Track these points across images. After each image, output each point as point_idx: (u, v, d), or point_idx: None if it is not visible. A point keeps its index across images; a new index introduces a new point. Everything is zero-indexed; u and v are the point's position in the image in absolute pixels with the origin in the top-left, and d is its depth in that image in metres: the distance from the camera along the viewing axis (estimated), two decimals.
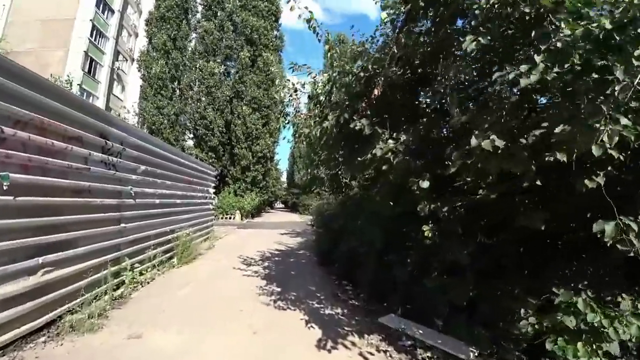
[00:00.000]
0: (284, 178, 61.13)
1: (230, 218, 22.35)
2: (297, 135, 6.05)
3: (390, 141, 3.19)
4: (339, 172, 6.37)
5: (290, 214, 36.76)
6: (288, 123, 6.36)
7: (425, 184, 3.02)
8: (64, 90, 3.93)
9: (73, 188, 3.99)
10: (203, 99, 22.69)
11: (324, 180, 7.06)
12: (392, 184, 3.53)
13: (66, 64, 26.65)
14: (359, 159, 3.54)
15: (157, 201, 6.48)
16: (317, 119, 5.45)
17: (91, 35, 28.19)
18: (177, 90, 23.47)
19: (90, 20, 27.98)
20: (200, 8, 25.07)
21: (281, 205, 71.03)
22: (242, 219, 22.56)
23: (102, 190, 4.61)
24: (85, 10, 28.36)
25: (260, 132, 23.88)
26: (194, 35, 24.50)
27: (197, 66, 22.96)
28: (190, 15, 25.05)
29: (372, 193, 4.69)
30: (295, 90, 6.32)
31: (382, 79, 3.61)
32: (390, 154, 3.14)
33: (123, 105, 30.81)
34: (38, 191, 3.45)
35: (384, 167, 3.27)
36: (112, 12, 31.52)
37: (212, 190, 11.36)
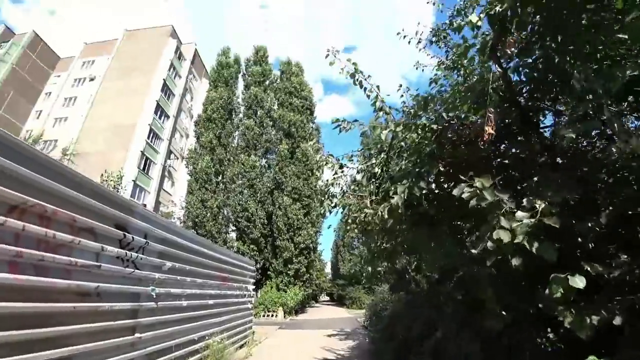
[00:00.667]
0: (328, 269, 58.46)
1: (272, 316, 20.56)
2: (346, 220, 5.08)
3: (520, 214, 1.97)
4: (408, 267, 5.19)
5: (337, 309, 33.97)
6: (335, 207, 5.42)
7: (579, 282, 1.84)
8: (70, 171, 3.33)
9: (75, 290, 3.15)
10: (245, 191, 22.98)
11: (380, 273, 5.80)
12: (505, 282, 2.32)
13: (125, 163, 28.99)
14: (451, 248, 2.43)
15: (185, 303, 5.48)
16: (373, 197, 4.50)
17: (148, 137, 31.05)
18: (221, 184, 24.07)
19: (149, 124, 31.11)
20: (242, 108, 27.04)
21: (326, 298, 66.95)
22: (285, 317, 20.66)
23: (115, 292, 3.73)
24: (145, 116, 31.82)
25: (301, 223, 23.29)
26: (237, 132, 25.97)
27: (239, 160, 23.76)
28: (234, 115, 26.98)
29: (458, 294, 3.40)
30: (341, 167, 5.37)
31: (491, 120, 2.49)
32: (524, 236, 1.90)
33: (171, 199, 32.20)
34: (26, 295, 2.64)
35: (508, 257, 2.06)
36: (168, 117, 35.11)
37: (251, 287, 10.22)
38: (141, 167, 29.70)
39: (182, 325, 5.33)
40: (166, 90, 35.69)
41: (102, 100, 35.35)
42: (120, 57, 39.11)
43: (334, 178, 5.34)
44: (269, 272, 23.21)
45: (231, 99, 27.28)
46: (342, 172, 5.27)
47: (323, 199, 5.08)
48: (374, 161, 4.67)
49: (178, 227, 5.98)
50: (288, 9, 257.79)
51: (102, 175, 18.95)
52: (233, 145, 25.90)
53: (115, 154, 29.84)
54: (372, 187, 4.60)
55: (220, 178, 24.35)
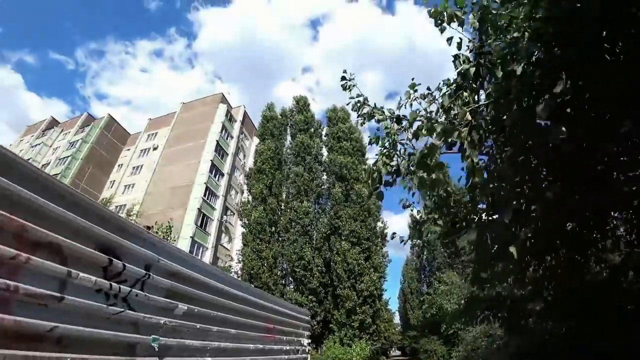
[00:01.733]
0: (396, 319, 53.78)
1: None
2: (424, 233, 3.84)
3: None
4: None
5: None
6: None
7: None
8: (23, 163, 2.37)
9: (14, 330, 2.10)
10: (299, 239, 21.95)
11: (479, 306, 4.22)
12: None
13: (184, 220, 29.89)
14: None
15: None
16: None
17: (204, 195, 32.06)
18: (275, 235, 23.40)
19: (205, 183, 32.29)
20: (291, 157, 26.95)
21: (397, 353, 61.12)
22: None
23: (89, 339, 2.65)
24: (200, 176, 33.22)
25: (362, 268, 21.51)
26: (287, 182, 25.65)
27: (292, 207, 23.11)
28: (283, 165, 26.92)
29: None
30: (398, 120, 3.98)
31: None
32: None
33: (228, 253, 32.20)
34: None
35: None
36: (222, 175, 36.35)
37: (306, 341, 8.70)
38: (198, 224, 30.34)
39: None
40: (219, 150, 37.38)
41: (163, 166, 37.93)
42: (177, 126, 42.41)
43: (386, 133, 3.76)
44: (331, 325, 21.27)
45: (279, 149, 27.47)
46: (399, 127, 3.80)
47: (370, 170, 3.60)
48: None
49: (199, 260, 4.86)
50: (331, 79, 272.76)
51: (151, 227, 19.15)
52: (284, 195, 25.52)
53: (174, 212, 30.97)
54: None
55: (274, 229, 23.75)
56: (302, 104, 29.92)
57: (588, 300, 3.43)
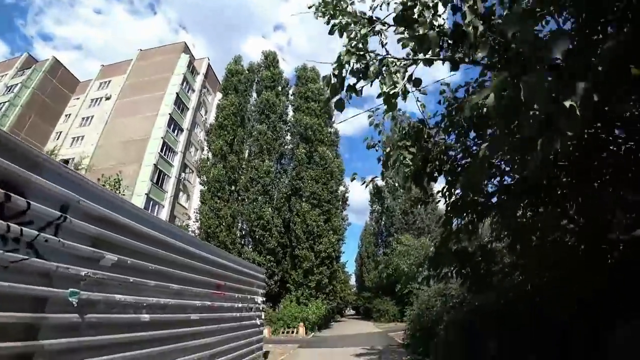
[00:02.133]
0: (352, 282, 55.76)
1: (293, 332, 18.69)
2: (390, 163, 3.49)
3: None
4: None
5: (364, 323, 31.58)
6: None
7: None
8: None
9: None
10: (259, 198, 21.41)
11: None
12: None
13: (138, 176, 28.33)
14: None
15: (147, 317, 3.84)
16: None
17: (161, 151, 30.36)
18: (235, 193, 22.70)
19: (162, 137, 30.51)
20: (254, 115, 25.81)
21: (352, 312, 64.13)
22: (306, 333, 18.73)
23: None
24: (158, 130, 31.29)
25: (322, 230, 21.49)
26: (250, 140, 24.67)
27: (253, 166, 22.35)
28: (246, 122, 25.77)
29: None
30: (371, 21, 3.32)
31: None
32: None
33: (186, 212, 31.22)
34: None
35: None
36: (181, 130, 34.51)
37: (260, 299, 8.43)
38: (154, 181, 28.83)
39: (139, 350, 3.66)
40: (179, 103, 35.15)
41: (116, 117, 35.24)
42: (134, 75, 39.19)
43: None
44: (288, 285, 21.44)
45: (243, 105, 26.17)
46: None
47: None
48: None
49: (134, 205, 4.22)
50: (303, 38, 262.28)
51: (98, 180, 18.01)
52: (246, 153, 24.65)
53: (128, 168, 29.14)
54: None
55: (233, 187, 23.00)
56: (270, 59, 28.44)
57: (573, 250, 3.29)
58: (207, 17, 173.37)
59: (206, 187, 22.76)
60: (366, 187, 4.42)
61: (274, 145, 23.79)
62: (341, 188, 24.75)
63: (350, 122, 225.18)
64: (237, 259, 8.09)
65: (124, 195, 19.31)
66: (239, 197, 22.47)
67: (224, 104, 25.68)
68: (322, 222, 21.50)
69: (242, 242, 22.07)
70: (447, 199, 4.08)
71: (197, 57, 43.05)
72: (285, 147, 25.20)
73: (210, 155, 24.29)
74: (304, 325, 18.89)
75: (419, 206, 30.10)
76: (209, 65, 43.15)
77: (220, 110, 25.67)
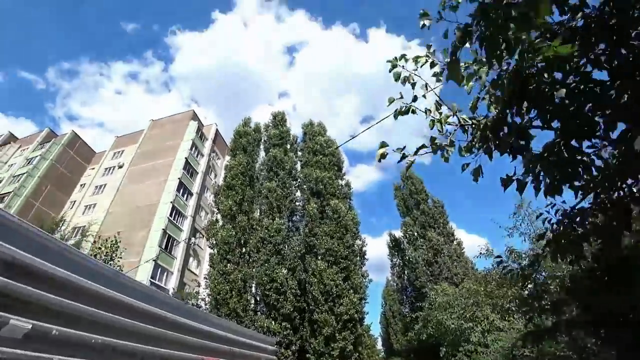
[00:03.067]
0: (379, 346, 51.30)
1: None
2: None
3: None
4: None
5: None
6: None
7: None
8: None
9: None
10: (271, 259, 20.03)
11: None
12: None
13: (147, 242, 27.41)
14: None
15: None
16: None
17: (170, 215, 29.74)
18: (245, 256, 21.42)
19: (171, 202, 30.08)
20: (263, 173, 25.36)
21: None
22: None
23: None
24: (167, 194, 30.99)
25: (341, 289, 19.73)
26: (259, 199, 23.91)
27: (263, 225, 21.28)
28: (255, 182, 25.24)
29: None
30: None
31: None
32: None
33: (196, 279, 29.73)
34: None
35: None
36: (191, 194, 34.21)
37: None
38: (163, 246, 27.86)
39: None
40: (188, 168, 35.34)
41: (127, 184, 35.47)
42: (145, 143, 40.17)
43: None
44: (308, 355, 19.23)
45: (251, 165, 25.87)
46: None
47: None
48: None
49: (75, 251, 3.06)
50: (307, 103, 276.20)
51: (94, 242, 17.16)
52: (256, 213, 23.74)
53: (136, 233, 28.55)
54: None
55: (244, 250, 21.78)
56: (279, 119, 28.69)
57: None
58: (217, 90, 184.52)
59: (215, 250, 21.59)
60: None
61: (284, 202, 22.95)
62: (357, 242, 23.29)
63: (360, 178, 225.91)
64: (235, 326, 6.77)
65: (121, 258, 18.30)
66: (250, 260, 21.15)
67: (232, 164, 25.42)
68: (340, 280, 19.83)
69: (256, 309, 20.33)
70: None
71: (206, 124, 44.28)
72: (296, 204, 24.34)
73: (219, 216, 23.45)
74: None
75: (443, 254, 28.18)
76: (216, 130, 44.18)
77: (228, 170, 25.33)
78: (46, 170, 39.62)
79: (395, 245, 35.85)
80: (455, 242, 32.14)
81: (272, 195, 22.56)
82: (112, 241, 17.93)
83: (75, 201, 40.08)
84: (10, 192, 35.24)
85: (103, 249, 16.87)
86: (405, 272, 33.91)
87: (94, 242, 16.27)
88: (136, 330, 3.33)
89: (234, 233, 21.34)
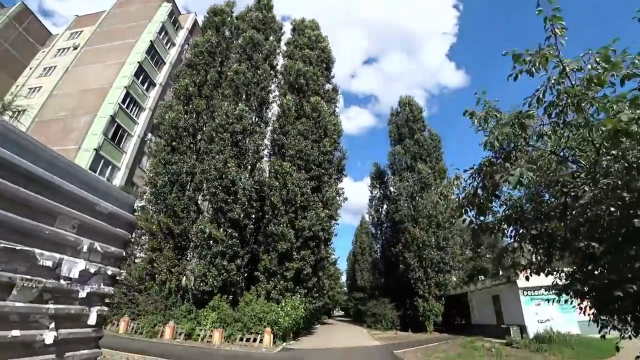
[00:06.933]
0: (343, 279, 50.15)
1: (255, 341, 13.23)
2: None
3: None
4: None
5: (356, 328, 26.18)
6: None
7: None
8: None
9: None
10: (226, 150, 15.77)
11: None
12: None
13: (89, 129, 22.88)
14: None
15: None
16: None
17: (123, 103, 24.90)
18: (196, 144, 17.19)
19: (125, 87, 25.05)
20: (235, 56, 20.17)
21: (341, 313, 58.56)
22: (273, 343, 13.27)
23: None
24: (122, 79, 25.90)
25: (308, 200, 15.94)
26: (225, 82, 19.04)
27: (222, 108, 16.69)
28: (224, 66, 20.25)
29: None
30: None
31: None
32: None
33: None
34: None
35: None
36: (154, 85, 29.04)
37: (110, 271, 2.79)
38: (109, 135, 23.30)
39: None
40: (153, 53, 29.71)
41: (78, 66, 29.89)
42: (106, 22, 33.87)
43: None
44: (256, 273, 15.87)
45: (222, 48, 20.73)
46: None
47: None
48: None
49: None
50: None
51: None
52: (221, 101, 19.09)
53: (79, 119, 23.89)
54: None
55: (198, 137, 17.50)
56: (264, 3, 22.83)
57: None
58: None
59: (161, 135, 17.23)
60: None
61: (254, 89, 18.25)
62: (337, 154, 19.23)
63: (352, 120, 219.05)
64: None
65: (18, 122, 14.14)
66: (202, 151, 16.94)
67: (198, 41, 20.29)
68: (308, 189, 15.96)
69: (199, 210, 16.53)
70: None
71: (183, 11, 37.64)
72: (270, 95, 19.72)
73: (172, 97, 18.78)
74: (271, 332, 13.41)
75: (431, 189, 24.74)
76: (195, 20, 37.75)
77: (193, 48, 20.28)
78: None
79: (378, 177, 32.24)
80: (446, 180, 28.57)
81: (238, 79, 17.77)
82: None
83: (20, 85, 34.44)
84: None
85: None
86: (385, 205, 30.63)
87: None
88: None
89: (184, 116, 16.87)
